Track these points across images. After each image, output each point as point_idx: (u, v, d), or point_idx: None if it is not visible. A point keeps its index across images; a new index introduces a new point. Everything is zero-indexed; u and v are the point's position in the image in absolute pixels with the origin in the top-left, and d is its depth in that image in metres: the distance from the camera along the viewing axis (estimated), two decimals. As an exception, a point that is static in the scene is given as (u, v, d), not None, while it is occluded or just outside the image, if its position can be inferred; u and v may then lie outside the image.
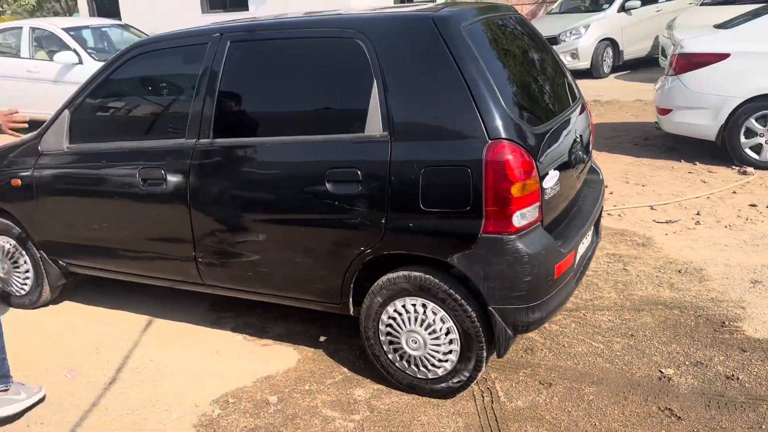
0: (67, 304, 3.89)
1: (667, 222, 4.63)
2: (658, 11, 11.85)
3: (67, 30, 9.13)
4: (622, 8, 11.54)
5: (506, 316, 2.50)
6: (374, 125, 2.58)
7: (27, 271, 3.72)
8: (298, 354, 3.19)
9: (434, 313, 2.63)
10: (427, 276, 2.60)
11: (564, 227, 2.75)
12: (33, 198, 3.46)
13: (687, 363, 2.91)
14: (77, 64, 8.77)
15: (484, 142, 2.38)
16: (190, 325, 3.54)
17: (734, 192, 5.19)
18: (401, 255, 2.64)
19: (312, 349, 3.22)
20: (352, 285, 2.78)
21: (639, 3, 11.56)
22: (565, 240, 2.64)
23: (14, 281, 3.76)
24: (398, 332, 2.72)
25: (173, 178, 3.00)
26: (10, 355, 2.93)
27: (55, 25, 9.30)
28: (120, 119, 3.32)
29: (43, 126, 3.49)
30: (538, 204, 2.45)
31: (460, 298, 2.55)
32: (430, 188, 2.47)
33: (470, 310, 2.55)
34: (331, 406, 2.76)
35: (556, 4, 13.02)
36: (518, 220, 2.40)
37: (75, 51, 8.82)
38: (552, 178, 2.58)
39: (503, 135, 2.38)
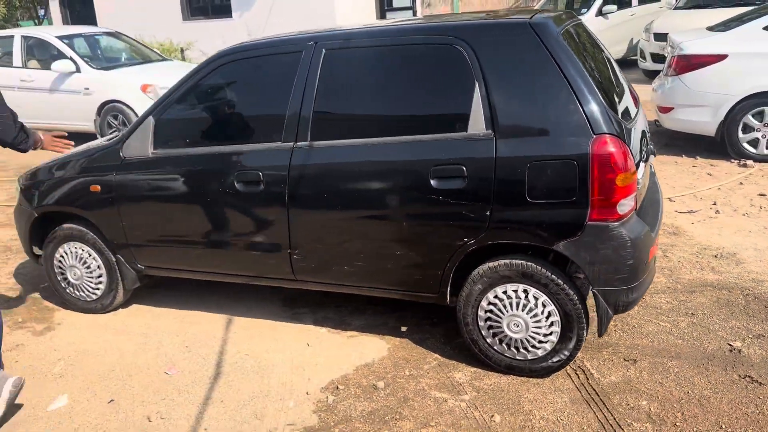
0: (139, 307, 3.96)
1: (689, 212, 4.96)
2: (632, 15, 12.41)
3: (61, 38, 9.05)
4: (600, 12, 12.04)
5: (609, 297, 2.74)
6: (478, 124, 2.78)
7: (100, 276, 3.78)
8: (386, 343, 3.36)
9: (536, 298, 2.84)
10: (530, 263, 2.81)
11: (644, 215, 3.00)
12: (114, 203, 3.54)
13: (750, 336, 3.19)
14: (74, 72, 8.71)
15: (589, 136, 2.61)
16: (270, 321, 3.67)
17: (741, 183, 5.57)
18: (501, 244, 2.85)
19: (398, 339, 3.39)
20: (451, 275, 2.97)
21: (615, 7, 12.09)
22: (651, 226, 2.90)
23: (86, 286, 3.83)
24: (499, 317, 2.92)
25: (271, 180, 3.14)
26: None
27: (49, 33, 9.21)
28: (210, 125, 3.43)
29: (122, 133, 3.58)
30: (635, 193, 2.70)
31: (562, 282, 2.77)
32: (536, 181, 2.68)
33: (572, 293, 2.77)
34: (437, 388, 2.95)
35: (537, 7, 13.44)
36: (621, 208, 2.63)
37: (71, 59, 8.75)
38: (640, 170, 2.83)
39: (606, 130, 2.61)
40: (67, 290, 3.91)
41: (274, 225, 3.22)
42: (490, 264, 2.89)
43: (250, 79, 3.31)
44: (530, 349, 2.92)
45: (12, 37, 9.27)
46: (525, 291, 2.86)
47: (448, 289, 3.02)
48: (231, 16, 13.57)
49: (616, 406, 2.73)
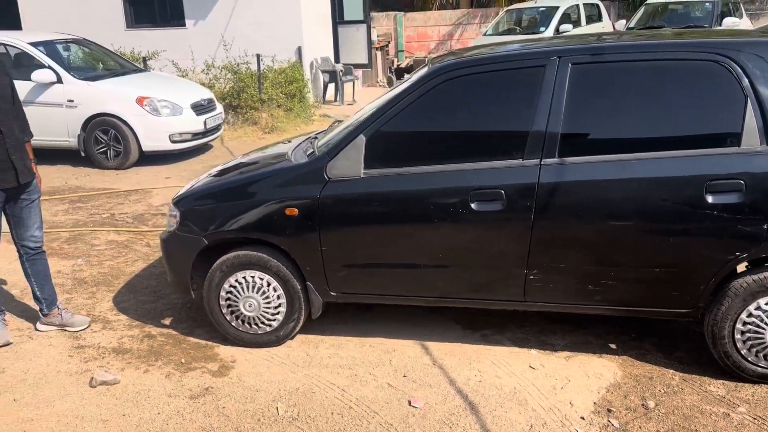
0: (306, 337, 3.65)
1: None
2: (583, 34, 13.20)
3: (35, 45, 8.17)
4: (557, 31, 12.69)
5: None
6: (752, 139, 2.85)
7: (278, 306, 3.45)
8: (609, 362, 3.32)
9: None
10: (800, 275, 2.91)
11: None
12: (314, 227, 3.25)
13: None
14: (55, 83, 7.90)
15: None
16: (465, 344, 3.52)
17: None
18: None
19: (617, 356, 3.37)
20: (712, 290, 3.01)
21: (571, 26, 12.79)
22: None
23: (260, 318, 3.47)
24: (761, 330, 2.98)
25: (515, 198, 3.03)
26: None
27: (19, 39, 8.30)
28: (435, 142, 3.24)
29: (318, 150, 3.30)
30: None
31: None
32: (817, 194, 2.79)
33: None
34: (708, 402, 2.96)
35: (489, 26, 13.91)
36: None
37: (51, 68, 7.93)
38: None
39: None
40: (233, 323, 3.52)
41: (512, 245, 3.10)
42: (755, 276, 2.95)
43: (481, 94, 3.18)
44: (791, 357, 3.01)
45: (-29, 41, 8.23)
46: (794, 303, 2.95)
47: (705, 303, 3.05)
48: (184, 25, 12.85)
49: None
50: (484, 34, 13.67)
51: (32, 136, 3.78)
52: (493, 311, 3.71)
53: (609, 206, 2.99)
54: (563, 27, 12.69)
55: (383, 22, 16.67)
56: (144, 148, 8.01)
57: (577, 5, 13.56)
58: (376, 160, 3.20)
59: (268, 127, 10.25)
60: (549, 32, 12.61)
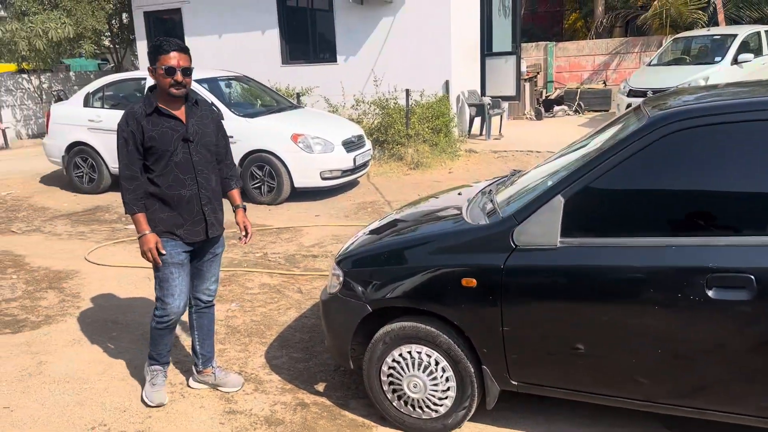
0: (475, 426, 3.16)
1: None
2: (764, 64, 11.79)
3: (200, 82, 8.45)
4: (735, 61, 11.41)
5: None
6: None
7: (446, 390, 3.00)
8: None
9: None
10: None
11: None
12: (495, 302, 2.77)
13: None
14: (216, 119, 8.09)
15: None
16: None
17: None
18: None
19: None
20: None
21: (752, 56, 11.46)
22: None
23: (426, 401, 3.04)
24: None
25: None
26: None
27: (186, 77, 8.63)
28: (657, 209, 2.64)
29: (511, 214, 2.82)
30: None
31: None
32: None
33: None
34: None
35: (654, 56, 12.84)
36: None
37: (214, 105, 8.13)
38: None
39: None
40: (394, 402, 3.12)
41: (762, 346, 2.42)
42: None
43: (725, 151, 2.53)
44: None
45: (144, 79, 8.69)
46: None
47: None
48: (336, 61, 13.03)
49: None
50: (648, 64, 12.64)
51: (241, 184, 3.65)
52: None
53: None
54: (742, 57, 11.40)
55: (532, 52, 16.05)
56: (296, 185, 8.00)
57: (758, 33, 12.17)
58: (577, 227, 2.67)
59: (413, 162, 9.99)
60: (726, 62, 11.40)
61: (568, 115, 14.35)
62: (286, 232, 6.84)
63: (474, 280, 2.80)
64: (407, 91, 10.31)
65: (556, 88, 15.68)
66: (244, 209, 3.50)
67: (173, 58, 3.07)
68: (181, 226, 3.22)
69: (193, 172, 3.20)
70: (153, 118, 3.12)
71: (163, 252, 3.19)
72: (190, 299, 3.46)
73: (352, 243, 3.45)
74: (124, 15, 16.98)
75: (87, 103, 9.12)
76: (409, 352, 3.04)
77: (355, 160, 8.33)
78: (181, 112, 3.19)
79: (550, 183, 2.79)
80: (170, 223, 3.21)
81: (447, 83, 11.30)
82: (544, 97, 15.20)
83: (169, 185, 3.17)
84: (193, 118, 3.22)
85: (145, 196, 3.18)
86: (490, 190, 3.48)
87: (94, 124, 8.84)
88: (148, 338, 3.50)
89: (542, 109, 14.10)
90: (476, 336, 2.87)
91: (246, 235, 3.46)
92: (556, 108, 14.36)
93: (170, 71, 3.06)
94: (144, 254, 3.18)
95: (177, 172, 3.17)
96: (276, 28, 12.54)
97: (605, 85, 15.20)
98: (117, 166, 3.32)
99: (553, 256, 2.68)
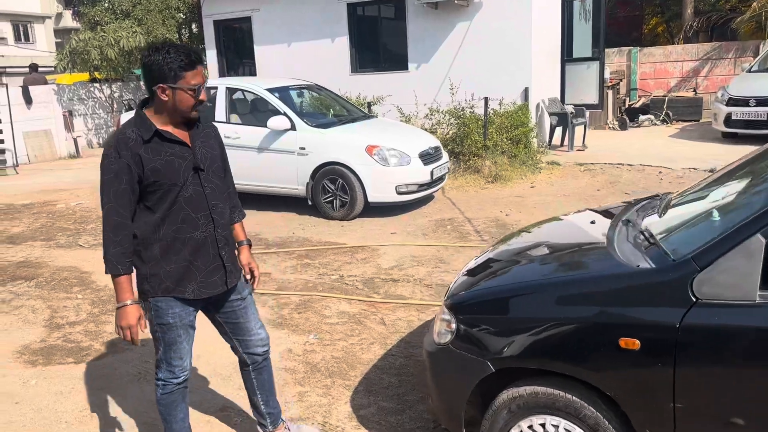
0: None
1: None
2: None
3: (271, 91, 8.09)
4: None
5: None
6: None
7: (591, 472, 2.37)
8: None
9: None
10: None
11: None
12: (665, 371, 2.13)
13: None
14: (289, 130, 7.69)
15: None
16: None
17: None
18: None
19: None
20: None
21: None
22: None
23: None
24: None
25: None
26: None
27: (257, 85, 8.29)
28: None
29: (689, 257, 2.17)
30: None
31: None
32: None
33: None
34: None
35: (754, 63, 11.77)
36: None
37: (286, 115, 7.75)
38: None
39: None
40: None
41: None
42: None
43: None
44: None
45: (215, 88, 8.37)
46: None
47: None
48: (407, 69, 12.52)
49: None
50: (748, 71, 11.59)
51: (245, 215, 2.97)
52: None
53: None
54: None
55: (614, 58, 15.12)
56: (369, 199, 7.49)
57: None
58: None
59: (491, 175, 9.34)
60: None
61: (655, 124, 13.40)
62: (362, 252, 6.32)
63: (637, 342, 2.17)
64: (486, 99, 9.67)
65: (640, 96, 14.69)
66: (250, 245, 2.91)
67: (199, 74, 2.45)
68: (193, 279, 2.57)
69: (207, 209, 2.57)
70: (153, 145, 2.45)
71: (144, 330, 2.52)
72: (243, 359, 2.89)
73: (463, 278, 2.87)
74: (194, 24, 17.03)
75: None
76: (542, 425, 2.42)
77: (432, 173, 7.76)
78: (186, 135, 2.55)
79: (740, 217, 2.13)
80: (179, 277, 2.54)
81: (526, 90, 10.62)
82: (627, 106, 14.27)
83: (178, 227, 2.51)
84: (197, 140, 2.58)
85: (141, 245, 2.50)
86: (636, 212, 2.84)
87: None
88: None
89: (626, 119, 13.19)
90: (636, 411, 2.23)
91: (252, 278, 2.85)
92: (642, 117, 13.42)
93: (197, 90, 2.46)
94: (120, 330, 2.45)
95: (188, 210, 2.52)
96: (346, 36, 12.17)
97: (695, 93, 14.13)
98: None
99: (751, 315, 2.03)
